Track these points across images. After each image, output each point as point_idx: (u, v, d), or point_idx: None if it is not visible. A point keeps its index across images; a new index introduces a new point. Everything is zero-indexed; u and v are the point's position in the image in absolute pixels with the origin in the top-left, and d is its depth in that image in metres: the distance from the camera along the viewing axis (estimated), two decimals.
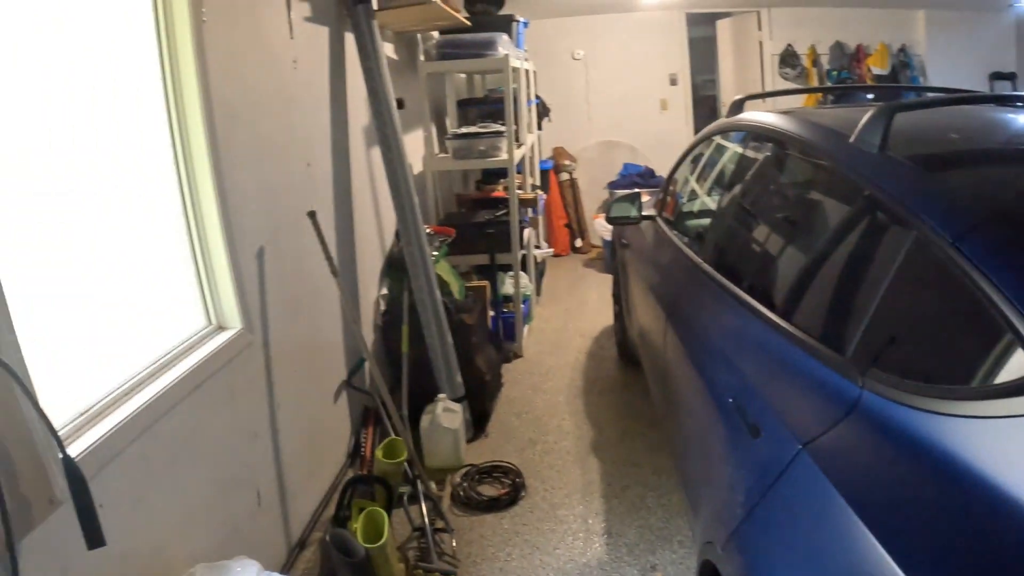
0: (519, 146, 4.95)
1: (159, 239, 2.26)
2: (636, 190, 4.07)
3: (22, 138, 1.73)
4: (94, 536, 1.52)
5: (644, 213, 3.60)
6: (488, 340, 4.31)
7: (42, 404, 1.52)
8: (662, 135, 7.82)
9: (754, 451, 1.67)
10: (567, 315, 5.72)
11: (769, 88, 7.57)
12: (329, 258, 2.95)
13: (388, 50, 4.15)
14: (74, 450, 1.67)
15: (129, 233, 2.11)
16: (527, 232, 5.25)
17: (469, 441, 3.72)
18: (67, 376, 1.83)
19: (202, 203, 2.37)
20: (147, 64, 2.22)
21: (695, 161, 3.45)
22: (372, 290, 3.89)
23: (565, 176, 7.60)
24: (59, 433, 1.55)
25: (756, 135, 2.62)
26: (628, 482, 3.30)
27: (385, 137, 3.49)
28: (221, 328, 2.48)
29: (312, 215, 2.92)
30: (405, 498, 3.05)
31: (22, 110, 1.73)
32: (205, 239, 2.40)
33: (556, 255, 7.39)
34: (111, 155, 2.05)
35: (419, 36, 4.92)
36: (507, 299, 4.88)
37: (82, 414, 1.81)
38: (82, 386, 1.87)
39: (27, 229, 1.73)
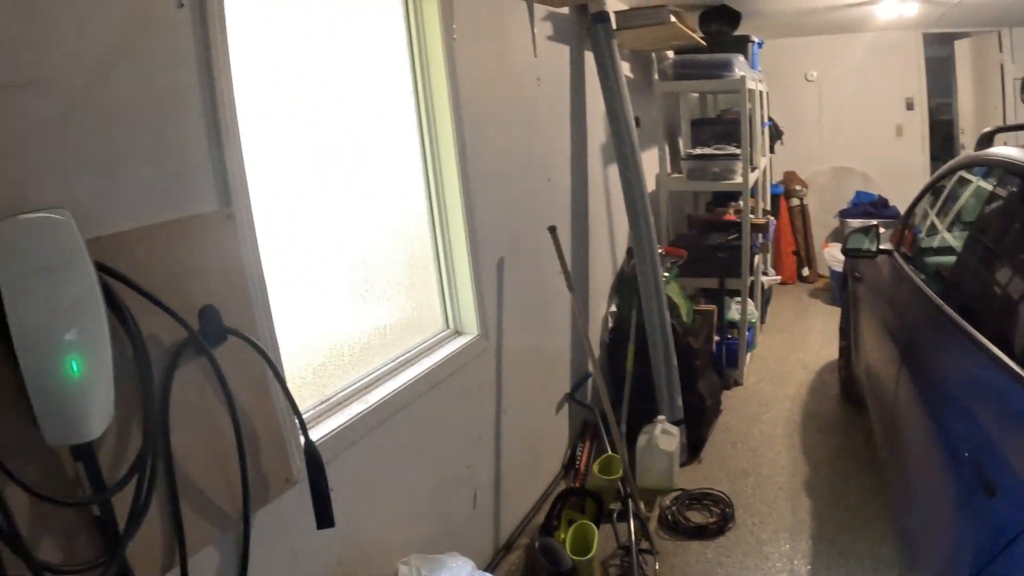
0: (753, 169, 4.68)
1: (409, 246, 2.30)
2: (873, 222, 3.72)
3: (299, 154, 1.82)
4: (325, 517, 1.54)
5: (881, 247, 3.30)
6: (711, 365, 4.10)
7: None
8: (896, 163, 7.09)
9: (988, 511, 1.54)
10: (790, 345, 5.36)
11: (1011, 115, 6.64)
12: (567, 273, 2.91)
13: (624, 68, 4.06)
14: (315, 435, 1.70)
15: (383, 238, 2.16)
16: (757, 258, 4.95)
17: (682, 465, 3.54)
18: (320, 367, 1.87)
19: (449, 213, 2.40)
20: (401, 80, 2.28)
21: (936, 194, 3.13)
22: (601, 306, 3.81)
23: (795, 202, 7.10)
24: (303, 417, 1.57)
25: (1008, 171, 2.32)
26: (839, 526, 3.02)
27: (623, 155, 3.38)
28: (458, 333, 2.50)
29: (552, 230, 2.88)
30: (615, 515, 2.95)
31: (299, 129, 1.83)
32: (450, 247, 2.43)
33: (782, 283, 6.92)
34: (371, 159, 2.11)
35: (654, 55, 4.80)
36: (732, 325, 4.61)
37: (325, 401, 1.85)
38: (330, 377, 1.91)
39: (296, 233, 1.81)
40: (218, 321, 1.43)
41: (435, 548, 2.11)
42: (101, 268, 1.18)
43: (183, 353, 1.37)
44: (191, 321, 1.37)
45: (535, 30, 2.94)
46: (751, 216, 4.59)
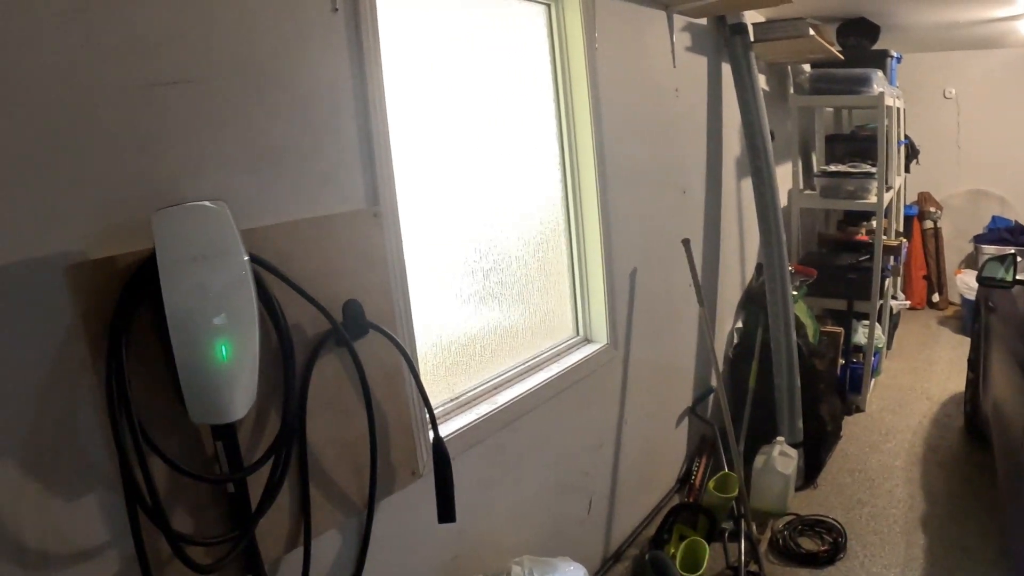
0: (888, 189, 4.35)
1: (543, 252, 2.24)
2: (1010, 250, 3.37)
3: (441, 157, 1.80)
4: (448, 513, 1.53)
5: (1017, 277, 2.99)
6: (834, 389, 3.83)
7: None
8: None
9: None
10: (915, 374, 4.97)
11: None
12: (698, 287, 2.79)
13: (760, 81, 3.87)
14: (443, 431, 1.67)
15: (518, 243, 2.11)
16: (887, 281, 4.61)
17: (798, 489, 3.32)
18: (451, 365, 1.84)
19: (586, 221, 2.33)
20: (543, 87, 2.22)
21: None
22: (727, 322, 3.63)
23: (929, 224, 6.59)
24: (434, 413, 1.55)
25: None
26: (953, 566, 2.77)
27: (758, 169, 3.20)
28: (587, 341, 2.43)
29: (686, 243, 2.77)
30: (726, 534, 2.82)
31: (443, 133, 1.80)
32: (584, 256, 2.35)
33: (911, 308, 6.45)
34: (511, 164, 2.06)
35: (790, 68, 4.55)
36: (857, 349, 4.30)
37: (454, 399, 1.83)
38: (460, 376, 1.88)
39: (435, 234, 1.79)
40: (361, 315, 1.43)
41: (546, 551, 2.06)
42: (253, 259, 1.18)
43: (325, 344, 1.37)
44: (334, 314, 1.37)
45: (674, 41, 2.82)
46: (884, 237, 4.27)
